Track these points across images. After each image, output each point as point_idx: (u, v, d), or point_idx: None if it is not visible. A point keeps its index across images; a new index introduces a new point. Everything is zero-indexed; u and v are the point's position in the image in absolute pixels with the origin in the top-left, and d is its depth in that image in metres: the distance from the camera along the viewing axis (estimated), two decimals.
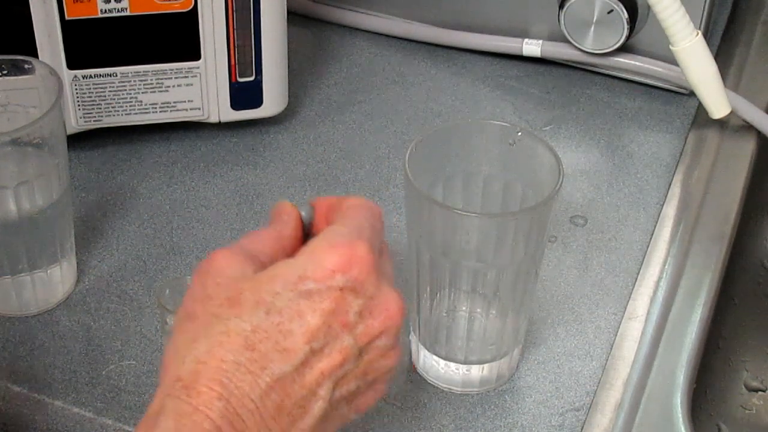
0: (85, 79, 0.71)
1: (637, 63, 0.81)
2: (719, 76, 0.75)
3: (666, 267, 0.68)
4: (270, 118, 0.77)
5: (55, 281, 0.64)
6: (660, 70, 0.80)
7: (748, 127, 0.78)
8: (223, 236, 0.69)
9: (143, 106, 0.73)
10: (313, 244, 0.48)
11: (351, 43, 0.87)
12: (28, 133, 0.57)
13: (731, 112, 0.76)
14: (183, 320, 0.47)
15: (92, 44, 0.70)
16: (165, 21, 0.70)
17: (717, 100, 0.75)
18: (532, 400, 0.60)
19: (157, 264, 0.68)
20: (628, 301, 0.66)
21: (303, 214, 0.53)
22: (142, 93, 0.73)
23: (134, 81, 0.72)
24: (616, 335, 0.64)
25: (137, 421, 0.47)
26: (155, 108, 0.73)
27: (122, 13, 0.69)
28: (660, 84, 0.82)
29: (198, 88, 0.73)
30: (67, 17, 0.68)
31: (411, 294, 0.59)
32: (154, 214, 0.71)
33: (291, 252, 0.51)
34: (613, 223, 0.71)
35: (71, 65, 0.70)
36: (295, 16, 0.86)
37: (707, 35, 0.78)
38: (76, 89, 0.72)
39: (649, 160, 0.77)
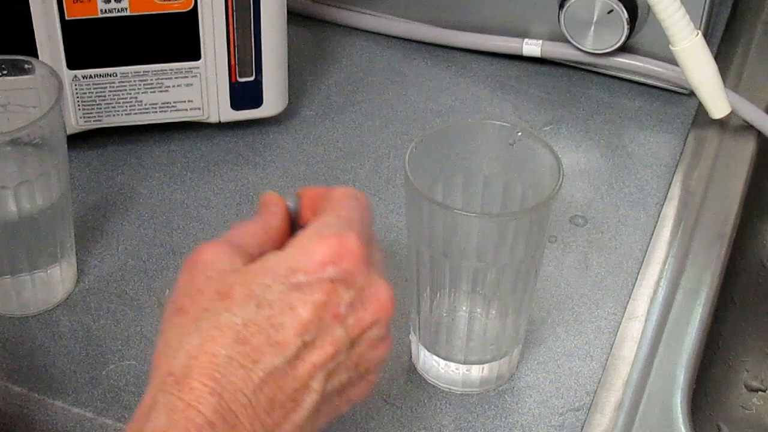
0: (85, 79, 0.71)
1: (637, 63, 0.81)
2: (719, 76, 0.75)
3: (666, 267, 0.68)
4: (270, 118, 0.77)
5: (55, 281, 0.64)
6: (660, 70, 0.80)
7: (748, 127, 0.78)
8: None
9: (143, 106, 0.73)
10: (303, 236, 0.48)
11: (351, 43, 0.87)
12: (28, 133, 0.57)
13: (731, 112, 0.76)
14: (173, 314, 0.47)
15: (92, 44, 0.70)
16: (165, 21, 0.70)
17: (717, 100, 0.75)
18: (532, 400, 0.60)
19: (157, 264, 0.68)
20: (628, 301, 0.66)
21: (289, 204, 0.52)
22: (142, 93, 0.73)
23: (134, 81, 0.72)
24: (616, 335, 0.64)
25: None
26: (155, 108, 0.74)
27: (122, 13, 0.69)
28: (660, 84, 0.82)
29: (198, 88, 0.73)
30: (67, 17, 0.68)
31: (411, 294, 0.59)
32: (154, 214, 0.71)
33: (278, 243, 0.50)
34: (613, 223, 0.71)
35: (71, 65, 0.70)
36: (295, 16, 0.86)
37: (707, 35, 0.78)
38: (76, 89, 0.72)
39: (649, 160, 0.77)
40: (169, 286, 0.56)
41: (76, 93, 0.72)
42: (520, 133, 0.57)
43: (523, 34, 0.83)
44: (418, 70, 0.85)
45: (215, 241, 0.49)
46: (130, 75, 0.72)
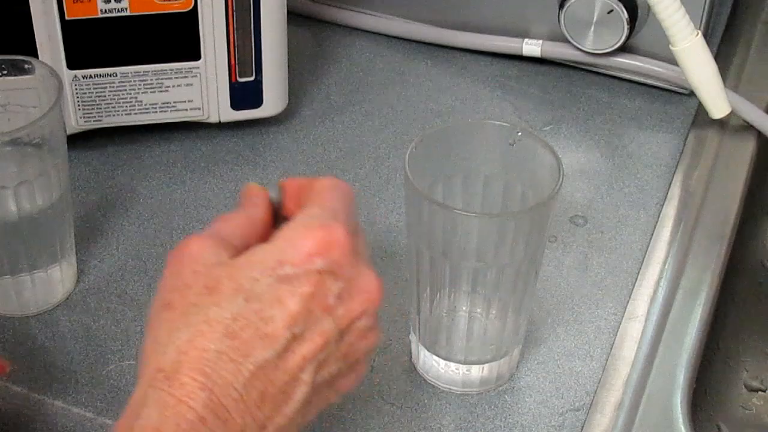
0: (85, 79, 0.71)
1: (637, 63, 0.81)
2: (719, 76, 0.75)
3: (666, 267, 0.68)
4: (270, 118, 0.77)
5: (55, 281, 0.64)
6: (660, 70, 0.80)
7: (748, 127, 0.78)
8: None
9: (143, 106, 0.73)
10: (290, 228, 0.48)
11: (351, 43, 0.87)
12: (28, 133, 0.57)
13: (731, 112, 0.76)
14: (160, 310, 0.47)
15: (92, 44, 0.70)
16: (165, 21, 0.70)
17: (717, 100, 0.75)
18: (532, 400, 0.60)
19: (157, 264, 0.67)
20: (628, 301, 0.66)
21: (272, 195, 0.52)
22: (142, 93, 0.73)
23: (134, 81, 0.72)
24: (616, 335, 0.64)
25: None
26: (155, 108, 0.74)
27: (122, 13, 0.69)
28: (660, 84, 0.82)
29: (198, 88, 0.73)
30: (67, 17, 0.68)
31: (411, 294, 0.59)
32: (154, 214, 0.71)
33: (262, 234, 0.50)
34: (613, 223, 0.71)
35: (71, 65, 0.70)
36: (295, 16, 0.86)
37: (707, 35, 0.78)
38: (76, 89, 0.72)
39: (649, 160, 0.77)
40: None
41: (76, 93, 0.72)
42: (520, 133, 0.57)
43: (523, 34, 0.83)
44: (418, 70, 0.85)
45: (200, 235, 0.49)
46: (130, 75, 0.72)
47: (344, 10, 0.88)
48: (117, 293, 0.66)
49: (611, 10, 0.77)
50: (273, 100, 0.76)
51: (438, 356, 0.60)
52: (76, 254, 0.66)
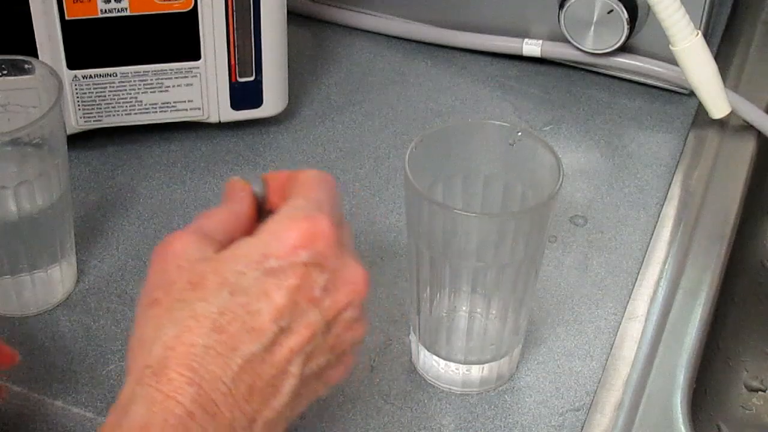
0: (85, 79, 0.71)
1: (637, 63, 0.81)
2: (719, 76, 0.75)
3: (666, 267, 0.68)
4: (270, 118, 0.77)
5: (55, 281, 0.64)
6: (660, 70, 0.80)
7: (748, 127, 0.78)
8: None
9: (143, 106, 0.73)
10: (274, 220, 0.48)
11: (351, 43, 0.87)
12: (28, 133, 0.57)
13: (731, 112, 0.76)
14: (146, 307, 0.47)
15: (92, 44, 0.70)
16: (165, 21, 0.70)
17: (717, 100, 0.75)
18: (532, 400, 0.60)
19: None
20: (628, 301, 0.66)
21: (255, 189, 0.52)
22: (142, 93, 0.73)
23: (134, 81, 0.72)
24: (616, 335, 0.64)
25: None
26: (155, 108, 0.73)
27: (122, 13, 0.69)
28: (660, 84, 0.82)
29: (198, 88, 0.73)
30: (67, 17, 0.68)
31: (411, 294, 0.59)
32: (154, 214, 0.71)
33: (247, 229, 0.50)
34: (613, 223, 0.71)
35: (71, 65, 0.70)
36: (295, 16, 0.86)
37: (707, 35, 0.78)
38: (76, 89, 0.72)
39: (649, 160, 0.77)
40: None
41: (76, 93, 0.72)
42: (520, 133, 0.57)
43: (523, 34, 0.83)
44: (418, 70, 0.85)
45: (183, 231, 0.49)
46: (130, 75, 0.72)
47: (344, 10, 0.88)
48: (117, 293, 0.66)
49: (611, 10, 0.77)
50: (273, 100, 0.76)
51: (438, 356, 0.60)
52: (76, 254, 0.66)
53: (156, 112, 0.74)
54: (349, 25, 0.88)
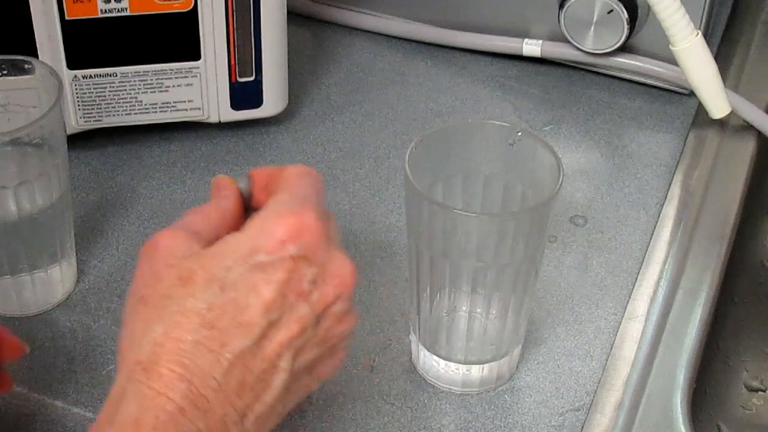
0: (85, 79, 0.71)
1: (637, 63, 0.81)
2: (719, 76, 0.75)
3: (666, 267, 0.68)
4: (270, 118, 0.77)
5: (55, 281, 0.64)
6: (660, 70, 0.80)
7: (748, 127, 0.78)
8: None
9: (143, 106, 0.73)
10: (261, 216, 0.48)
11: (351, 43, 0.87)
12: (28, 133, 0.57)
13: (731, 112, 0.76)
14: (136, 305, 0.47)
15: (92, 44, 0.70)
16: (165, 21, 0.70)
17: (717, 100, 0.75)
18: (532, 400, 0.60)
19: None
20: (628, 301, 0.66)
21: (241, 186, 0.53)
22: (142, 93, 0.73)
23: (134, 81, 0.72)
24: (616, 335, 0.64)
25: None
26: (155, 108, 0.74)
27: (122, 13, 0.69)
28: (660, 84, 0.82)
29: (198, 88, 0.73)
30: (67, 17, 0.68)
31: (411, 294, 0.59)
32: (154, 214, 0.71)
33: (233, 225, 0.51)
34: (613, 223, 0.71)
35: (71, 65, 0.70)
36: (295, 16, 0.86)
37: (707, 35, 0.78)
38: (76, 89, 0.72)
39: (649, 160, 0.77)
40: None
41: (76, 93, 0.72)
42: (520, 133, 0.57)
43: (523, 34, 0.83)
44: (418, 70, 0.85)
45: (170, 229, 0.49)
46: (130, 75, 0.72)
47: (344, 10, 0.88)
48: (117, 293, 0.66)
49: (611, 10, 0.77)
50: (273, 100, 0.76)
51: (438, 356, 0.60)
52: (76, 254, 0.66)
53: (156, 112, 0.74)
54: (349, 25, 0.88)
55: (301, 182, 0.51)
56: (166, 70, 0.72)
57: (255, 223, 0.48)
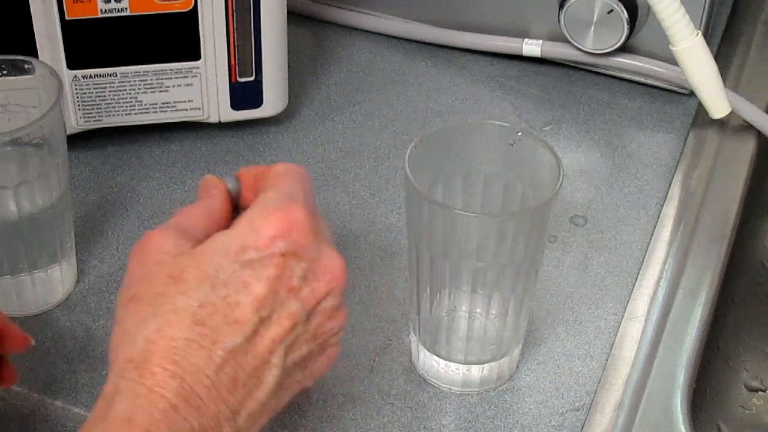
0: (85, 79, 0.71)
1: (637, 63, 0.81)
2: (719, 76, 0.75)
3: (666, 267, 0.68)
4: (270, 118, 0.77)
5: (55, 281, 0.64)
6: (660, 70, 0.80)
7: (748, 127, 0.78)
8: None
9: (143, 106, 0.73)
10: (250, 213, 0.49)
11: (351, 43, 0.87)
12: (28, 133, 0.57)
13: (731, 112, 0.76)
14: (127, 303, 0.47)
15: (92, 44, 0.70)
16: (165, 21, 0.70)
17: (717, 100, 0.75)
18: (532, 400, 0.60)
19: None
20: (628, 301, 0.66)
21: (229, 186, 0.53)
22: (142, 93, 0.73)
23: (134, 81, 0.72)
24: (616, 335, 0.64)
25: None
26: (155, 108, 0.73)
27: (122, 13, 0.69)
28: (660, 84, 0.82)
29: (198, 88, 0.73)
30: (67, 17, 0.68)
31: (411, 294, 0.59)
32: (154, 214, 0.71)
33: (222, 225, 0.51)
34: (613, 223, 0.71)
35: (71, 65, 0.70)
36: (295, 16, 0.86)
37: (707, 35, 0.78)
38: (76, 89, 0.72)
39: (649, 160, 0.77)
40: None
41: (76, 93, 0.72)
42: (520, 133, 0.57)
43: (523, 34, 0.83)
44: (418, 70, 0.85)
45: (161, 228, 0.50)
46: (130, 75, 0.72)
47: (344, 10, 0.88)
48: (117, 293, 0.65)
49: (611, 10, 0.77)
50: (273, 100, 0.76)
51: (438, 356, 0.60)
52: (76, 254, 0.66)
53: (156, 112, 0.74)
54: (349, 25, 0.88)
55: (289, 180, 0.51)
56: (166, 70, 0.72)
57: (244, 220, 0.48)
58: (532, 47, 0.83)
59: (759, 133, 0.78)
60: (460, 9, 0.85)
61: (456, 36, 0.85)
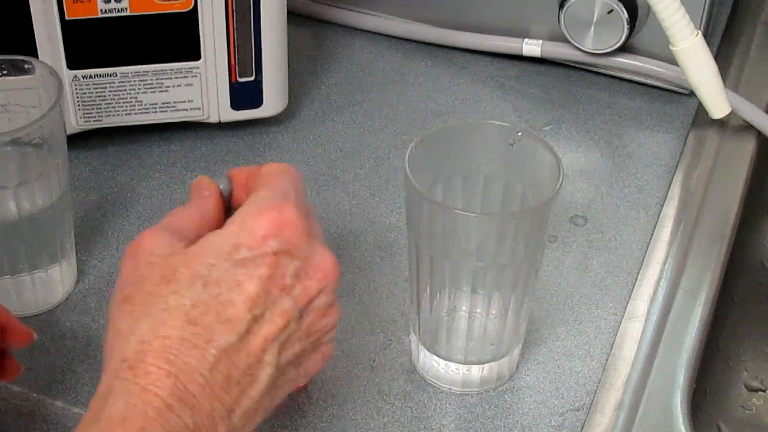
0: (85, 79, 0.71)
1: (637, 63, 0.81)
2: (719, 76, 0.75)
3: (666, 267, 0.68)
4: (270, 118, 0.77)
5: (55, 281, 0.64)
6: (660, 70, 0.80)
7: (748, 127, 0.78)
8: None
9: (143, 106, 0.73)
10: (242, 212, 0.49)
11: (351, 43, 0.87)
12: (28, 133, 0.57)
13: (731, 112, 0.76)
14: (120, 304, 0.48)
15: (92, 44, 0.70)
16: (165, 21, 0.70)
17: (717, 100, 0.75)
18: (532, 400, 0.60)
19: None
20: (628, 301, 0.66)
21: (221, 186, 0.53)
22: (142, 93, 0.73)
23: (134, 81, 0.72)
24: (616, 335, 0.64)
25: None
26: (155, 108, 0.74)
27: (122, 13, 0.69)
28: (660, 84, 0.82)
29: (198, 88, 0.73)
30: (67, 17, 0.68)
31: (411, 294, 0.59)
32: (154, 214, 0.71)
33: (215, 225, 0.51)
34: (613, 223, 0.71)
35: (71, 65, 0.70)
36: (295, 16, 0.86)
37: (707, 35, 0.78)
38: (76, 89, 0.72)
39: (649, 160, 0.77)
40: None
41: (76, 93, 0.72)
42: (520, 133, 0.57)
43: (523, 34, 0.83)
44: (418, 70, 0.85)
45: (153, 229, 0.50)
46: (130, 75, 0.72)
47: (344, 10, 0.88)
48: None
49: (611, 10, 0.77)
50: (273, 100, 0.76)
51: (438, 356, 0.60)
52: (76, 254, 0.66)
53: (156, 112, 0.74)
54: (349, 25, 0.88)
55: (280, 179, 0.51)
56: (166, 70, 0.72)
57: (236, 220, 0.49)
58: (532, 47, 0.83)
59: (759, 133, 0.78)
60: (460, 9, 0.85)
61: (456, 36, 0.85)
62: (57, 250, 0.63)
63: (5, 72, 0.61)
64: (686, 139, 0.78)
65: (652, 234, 0.71)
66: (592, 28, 0.78)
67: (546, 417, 0.59)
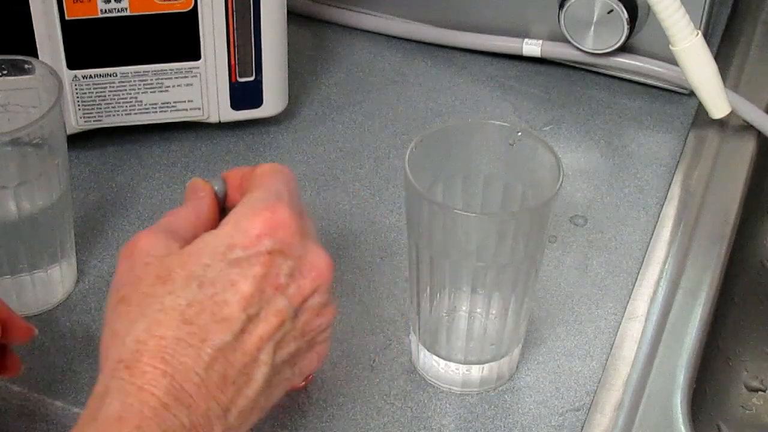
0: (85, 79, 0.71)
1: (637, 63, 0.81)
2: (719, 76, 0.75)
3: (666, 267, 0.68)
4: (270, 118, 0.77)
5: (55, 281, 0.64)
6: (660, 70, 0.80)
7: (748, 127, 0.78)
8: None
9: (143, 106, 0.73)
10: (236, 213, 0.49)
11: (351, 43, 0.87)
12: (28, 133, 0.57)
13: (731, 112, 0.76)
14: (116, 305, 0.48)
15: (92, 44, 0.70)
16: (165, 21, 0.70)
17: (717, 100, 0.75)
18: (532, 400, 0.60)
19: None
20: (628, 301, 0.66)
21: (216, 188, 0.54)
22: (142, 93, 0.73)
23: (134, 81, 0.72)
24: (616, 335, 0.64)
25: None
26: (155, 108, 0.74)
27: (122, 13, 0.69)
28: (660, 84, 0.82)
29: (198, 88, 0.73)
30: (67, 17, 0.68)
31: (411, 294, 0.59)
32: (154, 214, 0.71)
33: (210, 226, 0.51)
34: (613, 223, 0.71)
35: (71, 65, 0.70)
36: (295, 16, 0.86)
37: (707, 35, 0.78)
38: (76, 89, 0.72)
39: (649, 160, 0.77)
40: None
41: (76, 93, 0.72)
42: (520, 133, 0.57)
43: (523, 34, 0.83)
44: (418, 70, 0.85)
45: (149, 230, 0.50)
46: (130, 75, 0.72)
47: (344, 10, 0.88)
48: None
49: (611, 10, 0.77)
50: (273, 100, 0.76)
51: (438, 356, 0.60)
52: (76, 254, 0.66)
53: (156, 112, 0.74)
54: (349, 25, 0.88)
55: (273, 180, 0.52)
56: (166, 70, 0.72)
57: (230, 220, 0.49)
58: (532, 47, 0.83)
59: (759, 133, 0.78)
60: (460, 9, 0.85)
61: (456, 36, 0.85)
62: (57, 250, 0.63)
63: (5, 72, 0.61)
64: (686, 139, 0.78)
65: (652, 234, 0.71)
66: (592, 28, 0.78)
67: (546, 417, 0.59)
